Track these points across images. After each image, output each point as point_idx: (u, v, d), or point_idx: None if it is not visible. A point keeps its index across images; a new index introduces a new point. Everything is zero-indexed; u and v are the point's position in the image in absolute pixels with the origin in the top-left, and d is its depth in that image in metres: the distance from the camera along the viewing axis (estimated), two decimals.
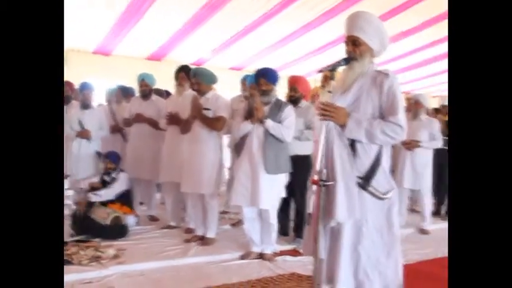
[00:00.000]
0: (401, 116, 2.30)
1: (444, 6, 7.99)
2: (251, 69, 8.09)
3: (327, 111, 2.28)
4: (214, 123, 4.27)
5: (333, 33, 8.54)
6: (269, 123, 3.78)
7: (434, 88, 13.34)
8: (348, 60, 2.39)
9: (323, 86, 2.36)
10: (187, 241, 4.45)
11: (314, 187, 2.24)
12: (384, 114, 2.33)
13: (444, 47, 9.91)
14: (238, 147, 4.01)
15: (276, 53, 10.01)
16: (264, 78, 3.93)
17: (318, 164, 2.23)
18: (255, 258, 4.02)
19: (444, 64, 11.04)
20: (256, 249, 4.08)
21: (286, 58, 10.39)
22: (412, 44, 9.72)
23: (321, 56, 9.59)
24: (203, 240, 4.42)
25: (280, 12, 7.97)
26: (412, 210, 6.28)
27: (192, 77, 4.41)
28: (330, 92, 2.35)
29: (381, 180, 2.35)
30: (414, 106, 5.34)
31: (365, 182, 2.32)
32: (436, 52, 10.31)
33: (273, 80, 3.95)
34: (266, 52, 10.03)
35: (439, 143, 5.24)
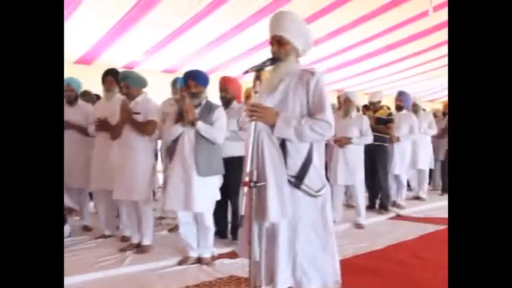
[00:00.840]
0: (328, 113, 2.32)
1: (373, 5, 8.31)
2: (184, 72, 7.95)
3: (255, 112, 2.27)
4: (145, 128, 4.16)
5: (265, 34, 8.57)
6: (200, 125, 3.73)
7: (367, 85, 13.73)
8: (273, 60, 2.39)
9: (254, 87, 2.34)
10: (123, 250, 4.30)
11: (245, 188, 2.22)
12: (312, 111, 2.34)
13: (374, 45, 10.26)
14: (170, 150, 3.93)
15: (209, 54, 9.95)
16: (193, 80, 3.87)
17: (248, 165, 2.21)
18: (193, 263, 3.96)
19: (374, 61, 11.43)
20: (193, 254, 4.01)
21: (220, 59, 10.36)
22: (342, 42, 9.97)
23: (254, 56, 9.61)
24: (139, 248, 4.30)
25: (212, 13, 7.93)
26: (348, 205, 6.43)
27: (121, 81, 4.28)
28: (256, 92, 2.34)
29: (313, 178, 2.35)
30: (345, 104, 5.46)
31: (297, 180, 2.32)
32: (367, 50, 10.63)
33: (202, 82, 3.90)
34: (199, 54, 9.95)
35: (369, 138, 5.38)
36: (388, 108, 6.57)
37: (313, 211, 2.38)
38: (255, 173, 2.23)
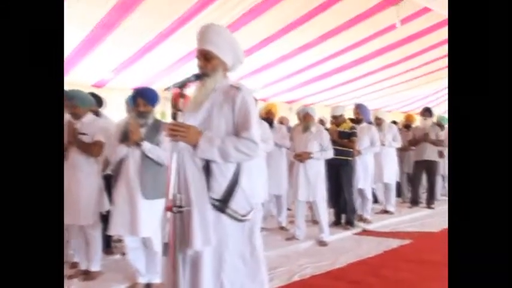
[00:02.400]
0: (255, 131, 2.18)
1: (339, 20, 8.28)
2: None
3: (177, 131, 2.12)
4: (91, 149, 3.98)
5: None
6: (146, 145, 3.57)
7: (336, 100, 13.68)
8: (198, 76, 2.26)
9: (177, 105, 2.20)
10: (70, 277, 4.09)
11: (168, 214, 2.07)
12: (237, 130, 2.20)
13: (342, 59, 10.24)
14: (115, 172, 3.76)
15: (180, 70, 9.81)
16: (142, 98, 3.72)
17: (170, 189, 2.06)
18: None
19: (343, 76, 11.41)
20: (142, 280, 3.82)
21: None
22: (310, 58, 9.93)
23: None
24: (87, 274, 4.09)
25: (178, 30, 7.83)
26: (314, 221, 6.28)
27: (67, 100, 4.10)
28: (179, 110, 2.19)
29: (240, 201, 2.21)
30: (304, 119, 5.36)
31: (222, 204, 2.17)
32: (335, 65, 10.60)
33: (151, 100, 3.75)
34: (169, 70, 9.80)
35: (330, 153, 5.27)
36: (352, 121, 6.49)
37: (240, 237, 2.22)
38: (178, 197, 2.08)
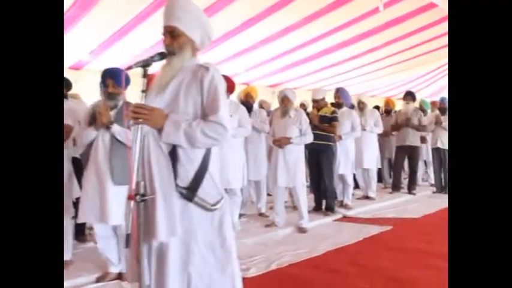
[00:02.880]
0: (223, 114, 2.02)
1: (322, 3, 8.12)
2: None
3: (141, 114, 1.95)
4: None
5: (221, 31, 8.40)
6: (115, 128, 3.39)
7: (319, 84, 13.54)
8: (164, 55, 2.09)
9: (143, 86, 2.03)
10: None
11: (132, 203, 1.91)
12: (206, 113, 2.05)
13: (325, 43, 10.08)
14: (84, 156, 3.58)
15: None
16: (111, 79, 3.54)
17: (133, 176, 1.91)
18: (113, 279, 3.62)
19: (325, 60, 11.26)
20: (114, 270, 3.67)
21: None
22: (292, 41, 9.75)
23: (209, 53, 9.35)
24: None
25: (156, 11, 7.59)
26: (294, 207, 6.18)
27: None
28: (143, 91, 2.02)
29: (209, 189, 2.06)
30: (282, 102, 5.21)
31: (190, 192, 2.02)
32: (317, 49, 10.44)
33: (120, 82, 3.55)
34: (149, 52, 9.53)
35: (309, 137, 5.14)
36: (333, 105, 6.37)
37: (209, 227, 2.07)
38: (142, 184, 1.93)
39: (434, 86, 16.17)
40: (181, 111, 2.03)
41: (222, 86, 2.08)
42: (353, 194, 7.42)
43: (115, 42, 8.80)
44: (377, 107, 9.40)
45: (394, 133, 7.90)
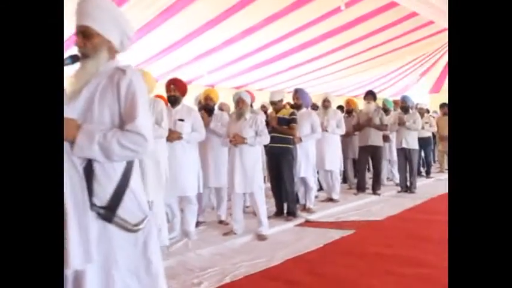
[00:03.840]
0: (142, 122, 1.80)
1: (283, 3, 7.96)
2: None
3: None
4: None
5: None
6: None
7: (284, 85, 13.42)
8: (76, 58, 1.86)
9: None
10: None
11: None
12: (123, 121, 1.83)
13: (287, 44, 9.94)
14: None
15: (118, 57, 9.23)
16: None
17: None
18: None
19: (288, 61, 11.11)
20: None
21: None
22: (255, 42, 9.58)
23: (165, 58, 9.12)
24: None
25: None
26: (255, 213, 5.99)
27: None
28: None
29: (131, 207, 1.83)
30: (237, 105, 5.00)
31: (108, 212, 1.78)
32: (280, 50, 10.29)
33: None
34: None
35: (265, 138, 4.93)
36: (292, 106, 6.20)
37: (132, 250, 1.85)
38: None
39: (398, 85, 16.25)
40: (97, 121, 1.80)
41: (142, 90, 1.86)
42: (317, 197, 7.29)
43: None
44: (340, 107, 9.28)
45: (356, 133, 7.79)
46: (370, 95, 7.73)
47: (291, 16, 8.45)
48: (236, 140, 4.82)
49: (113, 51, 1.95)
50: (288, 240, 4.87)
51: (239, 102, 4.97)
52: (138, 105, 1.81)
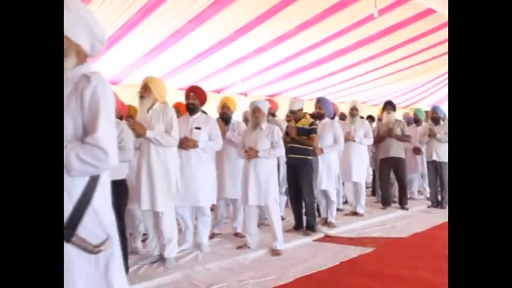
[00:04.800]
0: (103, 134, 1.65)
1: (314, 11, 7.78)
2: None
3: None
4: None
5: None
6: None
7: (319, 93, 13.14)
8: None
9: None
10: None
11: None
12: (85, 132, 1.69)
13: (319, 53, 9.72)
14: None
15: (149, 65, 9.28)
16: None
17: None
18: None
19: (323, 69, 10.88)
20: None
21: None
22: (287, 50, 9.41)
23: (196, 66, 9.09)
24: None
25: (145, 19, 7.34)
26: None
27: None
28: None
29: (91, 226, 1.67)
30: (253, 114, 4.83)
31: (67, 231, 1.65)
32: (313, 58, 10.08)
33: None
34: (138, 62, 9.26)
35: (279, 151, 4.74)
36: (314, 116, 5.98)
37: (93, 273, 1.69)
38: None
39: (435, 96, 15.71)
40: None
41: (107, 99, 1.70)
42: (342, 210, 7.06)
43: (105, 52, 8.53)
44: (371, 117, 8.96)
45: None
46: (390, 105, 7.39)
47: (324, 23, 8.26)
48: (250, 155, 4.65)
49: (82, 56, 1.81)
50: (302, 257, 4.64)
51: (255, 111, 4.80)
52: (100, 116, 1.65)
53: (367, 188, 9.21)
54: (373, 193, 8.32)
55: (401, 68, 11.84)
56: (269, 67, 10.18)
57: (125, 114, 4.60)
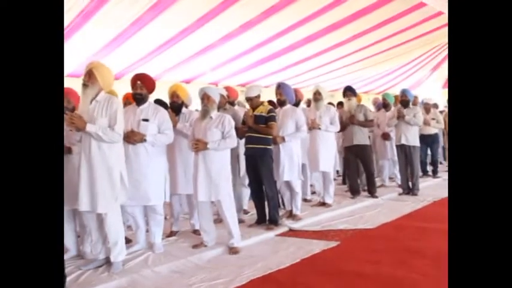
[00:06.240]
0: None
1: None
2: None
3: None
4: None
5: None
6: None
7: (293, 81, 12.84)
8: None
9: None
10: None
11: None
12: None
13: (289, 39, 9.41)
14: None
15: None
16: None
17: None
18: None
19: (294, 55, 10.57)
20: None
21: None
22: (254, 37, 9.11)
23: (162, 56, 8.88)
24: None
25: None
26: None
27: None
28: None
29: None
30: (202, 101, 4.46)
31: None
32: (282, 44, 9.80)
33: None
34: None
35: (231, 141, 4.37)
36: (271, 103, 5.66)
37: None
38: None
39: (409, 80, 15.55)
40: None
41: None
42: (310, 200, 6.78)
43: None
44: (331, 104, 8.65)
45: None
46: (349, 91, 6.97)
47: (292, 8, 7.97)
48: (198, 147, 4.30)
49: None
50: (262, 254, 4.31)
51: (204, 98, 4.43)
52: None
53: (338, 176, 8.99)
54: (344, 182, 8.05)
55: (372, 53, 11.65)
56: (238, 55, 9.92)
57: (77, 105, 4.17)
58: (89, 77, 3.79)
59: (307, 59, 11.28)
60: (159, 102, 6.64)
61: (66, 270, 3.72)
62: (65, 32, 7.03)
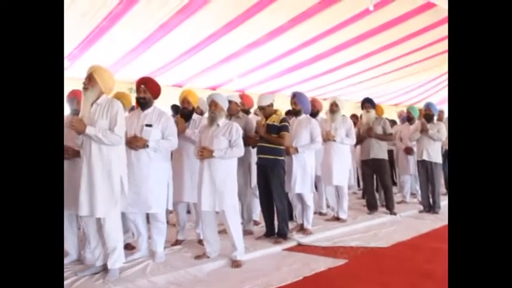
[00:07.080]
0: None
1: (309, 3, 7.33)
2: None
3: None
4: None
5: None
6: None
7: (321, 91, 12.63)
8: None
9: None
10: None
11: None
12: None
13: (315, 49, 9.24)
14: None
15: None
16: None
17: None
18: None
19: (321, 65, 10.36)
20: None
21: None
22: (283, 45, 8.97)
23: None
24: None
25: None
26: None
27: None
28: None
29: None
30: (210, 108, 4.33)
31: None
32: (308, 54, 9.62)
33: None
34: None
35: (238, 150, 4.22)
36: (289, 112, 5.50)
37: None
38: None
39: (440, 94, 15.09)
40: None
41: None
42: (325, 214, 6.57)
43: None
44: (354, 116, 8.39)
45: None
46: (368, 103, 6.72)
47: (321, 16, 7.80)
48: (203, 155, 4.17)
49: None
50: (265, 269, 4.13)
51: (211, 105, 4.30)
52: None
53: (359, 190, 8.72)
54: (363, 196, 7.78)
55: (402, 65, 11.36)
56: (265, 63, 9.81)
57: None
58: (90, 80, 3.76)
59: (335, 69, 11.08)
60: (175, 108, 6.57)
61: (64, 275, 3.64)
62: (92, 34, 7.09)
